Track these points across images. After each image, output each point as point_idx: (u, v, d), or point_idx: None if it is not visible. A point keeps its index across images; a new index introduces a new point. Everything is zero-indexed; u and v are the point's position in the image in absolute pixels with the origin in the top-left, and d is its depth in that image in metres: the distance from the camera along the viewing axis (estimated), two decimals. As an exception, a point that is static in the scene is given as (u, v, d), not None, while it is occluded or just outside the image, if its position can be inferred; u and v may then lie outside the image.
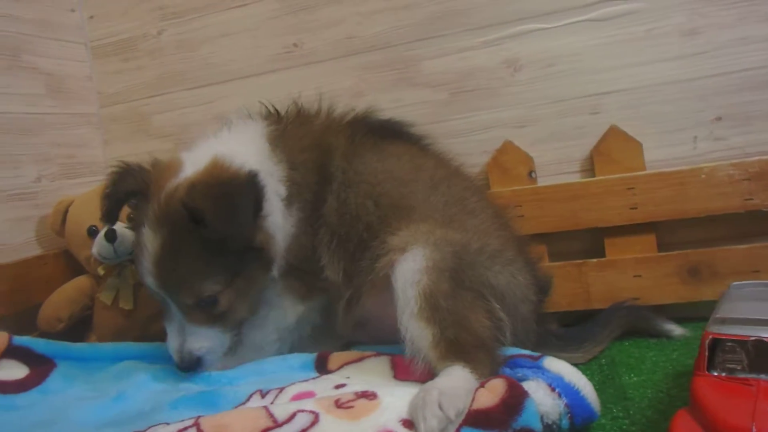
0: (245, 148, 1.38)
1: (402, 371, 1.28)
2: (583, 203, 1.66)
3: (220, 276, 1.29)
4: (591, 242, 1.70)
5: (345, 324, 1.45)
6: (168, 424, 1.12)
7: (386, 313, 1.32)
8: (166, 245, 1.28)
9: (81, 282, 1.77)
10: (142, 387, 1.35)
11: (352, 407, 1.10)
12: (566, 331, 1.54)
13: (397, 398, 1.13)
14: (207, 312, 1.32)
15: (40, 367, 1.45)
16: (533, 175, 1.73)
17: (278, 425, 1.05)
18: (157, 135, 2.04)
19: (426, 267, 1.23)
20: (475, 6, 1.75)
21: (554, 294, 1.63)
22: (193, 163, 1.35)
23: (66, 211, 1.78)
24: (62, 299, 1.74)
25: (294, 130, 1.46)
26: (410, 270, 1.24)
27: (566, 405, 1.12)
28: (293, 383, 1.28)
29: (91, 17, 2.08)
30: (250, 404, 1.22)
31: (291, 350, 1.46)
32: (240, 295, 1.34)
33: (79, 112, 2.00)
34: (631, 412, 1.20)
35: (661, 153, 1.66)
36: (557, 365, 1.23)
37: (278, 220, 1.36)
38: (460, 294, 1.23)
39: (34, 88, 1.87)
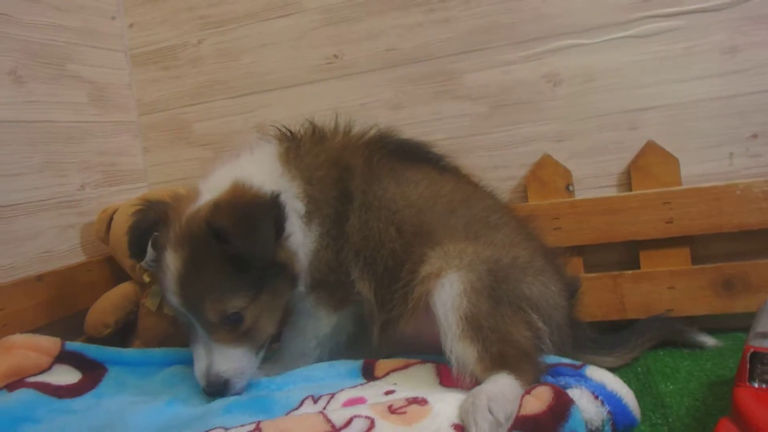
0: (259, 169, 1.50)
1: (447, 379, 1.40)
2: (619, 217, 1.80)
3: (244, 292, 1.40)
4: (626, 254, 1.84)
5: (380, 344, 1.57)
6: (226, 429, 1.23)
7: (422, 332, 1.45)
8: (188, 264, 1.39)
9: (125, 288, 1.91)
10: (192, 392, 1.48)
11: (405, 413, 1.21)
12: (600, 336, 1.66)
13: (447, 404, 1.24)
14: (232, 330, 1.41)
15: (92, 372, 1.60)
16: (570, 188, 1.86)
17: (337, 430, 1.16)
18: (197, 143, 2.18)
19: (464, 290, 1.34)
20: (517, 21, 1.89)
21: (590, 304, 1.78)
22: (211, 189, 1.47)
23: (111, 219, 1.91)
24: (108, 305, 1.88)
25: (309, 148, 1.57)
26: (449, 296, 1.35)
27: (609, 412, 1.25)
28: (343, 389, 1.40)
29: (131, 25, 2.23)
30: (303, 409, 1.34)
31: (331, 356, 1.60)
32: (265, 312, 1.45)
33: (119, 120, 2.15)
34: (670, 419, 1.33)
35: (698, 168, 1.79)
36: (600, 374, 1.36)
37: (299, 237, 1.48)
38: (499, 310, 1.34)
39: (78, 96, 2.02)
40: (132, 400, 1.49)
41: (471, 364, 1.31)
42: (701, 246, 1.79)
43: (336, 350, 1.61)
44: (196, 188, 1.51)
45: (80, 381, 1.57)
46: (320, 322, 1.57)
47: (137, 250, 1.53)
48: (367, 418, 1.19)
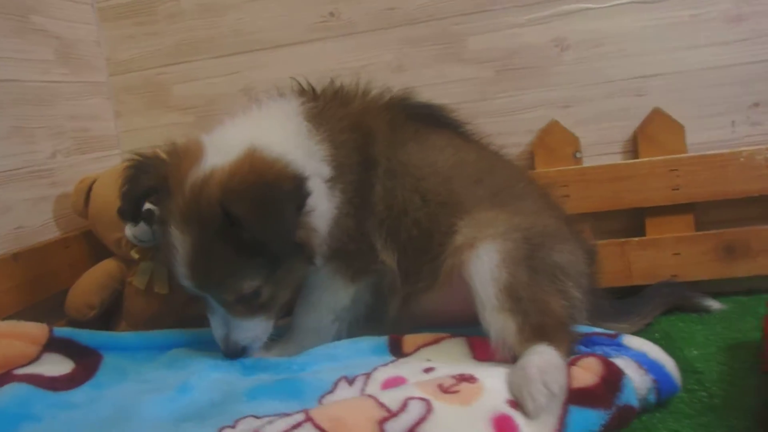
0: (282, 130, 1.42)
1: (481, 352, 1.39)
2: (627, 184, 1.83)
3: (259, 272, 1.36)
4: (632, 221, 1.88)
5: (399, 318, 1.55)
6: (258, 417, 1.19)
7: (450, 305, 1.45)
8: (197, 246, 1.32)
9: (109, 265, 1.80)
10: (203, 376, 1.40)
11: (458, 391, 1.18)
12: (613, 303, 1.69)
13: (496, 379, 1.23)
14: (249, 304, 1.39)
15: (86, 359, 1.50)
16: (578, 155, 1.88)
17: (393, 414, 1.11)
18: (177, 107, 2.06)
19: (502, 260, 1.34)
20: (524, -18, 1.87)
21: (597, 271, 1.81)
22: (219, 150, 1.36)
23: (89, 190, 1.78)
24: (92, 284, 1.76)
25: (333, 110, 1.51)
26: (486, 267, 1.34)
27: (653, 381, 1.28)
28: (376, 368, 1.37)
29: None
30: (339, 393, 1.30)
31: (348, 332, 1.55)
32: (281, 286, 1.42)
33: (88, 81, 1.99)
34: (706, 384, 1.38)
35: (701, 136, 1.84)
36: (639, 343, 1.39)
37: (322, 206, 1.41)
38: (537, 280, 1.35)
39: (45, 53, 1.85)
40: (137, 389, 1.40)
41: (510, 336, 1.30)
42: (704, 212, 1.85)
43: (354, 325, 1.57)
44: (199, 143, 1.40)
45: (74, 370, 1.46)
46: (337, 294, 1.52)
47: (129, 217, 1.44)
48: (422, 399, 1.16)
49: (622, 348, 1.39)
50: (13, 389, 1.32)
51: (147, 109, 2.07)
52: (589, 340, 1.44)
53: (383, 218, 1.48)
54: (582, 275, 1.48)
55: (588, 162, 1.88)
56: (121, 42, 2.06)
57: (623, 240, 1.85)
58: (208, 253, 1.32)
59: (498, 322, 1.32)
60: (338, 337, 1.54)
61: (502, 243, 1.36)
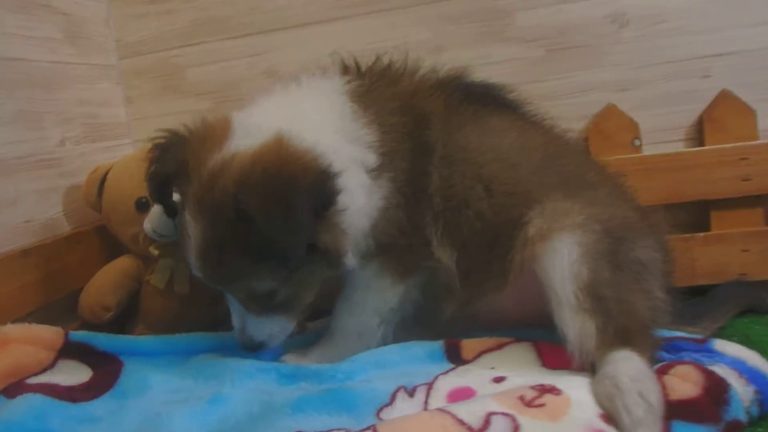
0: (321, 112, 1.28)
1: (551, 359, 1.26)
2: (691, 174, 1.68)
3: (273, 273, 1.22)
4: (695, 215, 1.73)
5: (452, 322, 1.41)
6: None
7: (521, 306, 1.32)
8: (209, 237, 1.19)
9: (125, 263, 1.65)
10: (237, 385, 1.26)
11: (543, 405, 1.06)
12: (683, 305, 1.52)
13: (581, 391, 1.10)
14: (264, 303, 1.27)
15: (105, 367, 1.35)
16: (637, 142, 1.73)
17: None
18: (192, 92, 1.90)
19: (582, 255, 1.20)
20: (578, -47, 1.73)
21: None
22: (246, 132, 1.23)
23: (103, 181, 1.62)
24: (107, 284, 1.61)
25: (381, 90, 1.36)
26: (565, 262, 1.21)
27: (755, 391, 1.14)
28: (437, 377, 1.23)
29: None
30: (399, 405, 1.16)
31: (394, 337, 1.40)
32: (303, 288, 1.29)
33: (98, 64, 1.84)
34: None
35: (770, 121, 1.70)
36: (734, 349, 1.25)
37: (359, 201, 1.25)
38: (620, 277, 1.22)
39: (52, 31, 1.69)
40: (164, 399, 1.26)
41: (589, 340, 1.17)
42: (775, 205, 1.71)
43: (401, 328, 1.41)
44: (227, 122, 1.26)
45: (92, 379, 1.32)
46: (384, 293, 1.36)
47: (157, 200, 1.36)
48: (505, 415, 1.02)
49: (714, 354, 1.24)
50: (27, 401, 1.18)
51: (160, 94, 1.91)
52: (671, 346, 1.29)
53: (439, 210, 1.33)
54: (663, 274, 1.34)
55: (647, 150, 1.73)
56: (132, 22, 1.90)
57: (687, 235, 1.70)
58: (219, 246, 1.19)
59: (576, 324, 1.18)
60: (383, 343, 1.38)
61: (581, 235, 1.22)
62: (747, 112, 1.68)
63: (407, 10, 1.79)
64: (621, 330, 1.17)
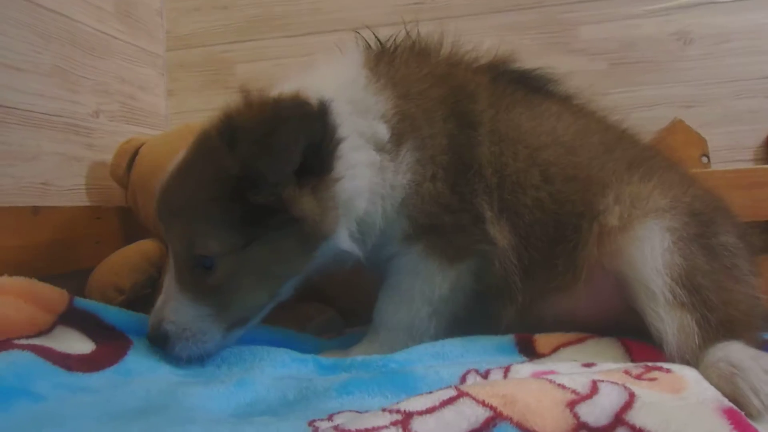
0: (336, 78, 1.03)
1: (640, 354, 0.92)
2: (764, 192, 1.40)
3: (226, 233, 0.89)
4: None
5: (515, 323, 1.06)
6: (359, 412, 0.72)
7: (579, 312, 1.00)
8: (182, 164, 0.93)
9: (147, 246, 1.27)
10: (266, 373, 0.90)
11: (656, 379, 0.75)
12: None
13: (693, 372, 0.79)
14: (198, 278, 0.91)
15: (111, 342, 0.95)
16: (705, 159, 1.46)
17: (585, 397, 0.66)
18: (238, 88, 1.59)
19: (674, 242, 0.91)
20: (641, -28, 1.51)
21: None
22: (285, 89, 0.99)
23: (135, 154, 1.30)
24: (123, 265, 1.23)
25: (408, 59, 1.09)
26: (655, 252, 0.92)
27: None
28: (512, 365, 0.87)
29: None
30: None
31: (447, 332, 1.03)
32: (249, 272, 0.92)
33: (144, 48, 1.55)
34: None
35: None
36: None
37: (361, 179, 0.97)
38: (716, 264, 0.92)
39: (103, 1, 1.42)
40: (178, 380, 0.89)
41: (690, 338, 0.87)
42: None
43: (454, 323, 1.04)
44: (264, 93, 0.98)
45: (94, 353, 0.92)
46: (433, 279, 1.01)
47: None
48: (615, 383, 0.69)
49: None
50: (12, 357, 0.81)
51: (203, 89, 1.62)
52: None
53: (493, 186, 1.01)
54: (751, 261, 1.02)
55: (715, 168, 1.45)
56: (186, 15, 1.64)
57: (764, 257, 1.39)
58: (185, 176, 0.92)
59: (674, 321, 0.88)
60: (435, 338, 1.01)
61: (670, 219, 0.93)
62: (816, 134, 1.42)
63: (470, 18, 1.54)
64: (724, 322, 0.88)
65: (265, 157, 0.85)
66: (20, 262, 1.06)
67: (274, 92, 0.95)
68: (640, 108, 1.49)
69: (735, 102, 1.47)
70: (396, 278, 1.03)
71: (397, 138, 0.99)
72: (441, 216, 1.00)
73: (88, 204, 1.32)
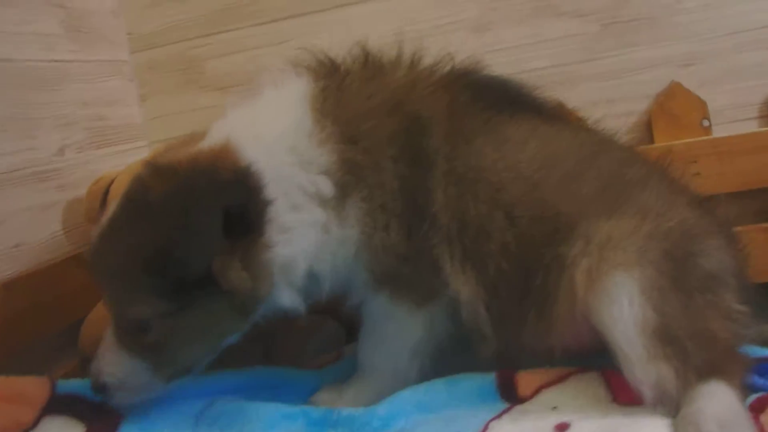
0: (277, 123, 0.89)
1: (622, 392, 0.85)
2: None
3: (157, 299, 0.81)
4: None
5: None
6: None
7: (559, 348, 0.91)
8: (108, 228, 0.84)
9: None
10: None
11: None
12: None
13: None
14: (135, 336, 0.84)
15: (101, 420, 0.90)
16: (705, 123, 1.31)
17: None
18: (213, 86, 1.43)
19: (645, 297, 0.81)
20: None
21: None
22: (219, 132, 0.89)
23: (107, 192, 1.18)
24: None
25: (358, 87, 0.93)
26: (625, 312, 0.81)
27: None
28: (488, 424, 0.83)
29: None
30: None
31: (435, 367, 0.97)
32: (186, 334, 0.85)
33: (105, 59, 1.38)
34: None
35: None
36: None
37: (305, 240, 0.87)
38: (692, 304, 0.83)
39: (49, 26, 1.24)
40: None
41: (668, 387, 0.79)
42: None
43: (440, 358, 0.98)
44: (208, 132, 0.91)
45: (85, 436, 0.86)
46: (405, 324, 0.94)
47: None
48: None
49: None
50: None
51: (178, 90, 1.46)
52: (765, 369, 0.90)
53: (453, 233, 0.90)
54: (737, 275, 0.93)
55: (717, 131, 1.29)
56: (145, 11, 1.44)
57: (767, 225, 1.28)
58: (112, 238, 0.83)
59: (651, 375, 0.80)
60: (423, 376, 0.96)
61: (639, 271, 0.82)
62: (829, 84, 1.27)
63: (452, -16, 1.36)
64: (703, 364, 0.80)
65: (181, 239, 0.76)
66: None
67: (200, 146, 0.83)
68: (637, 71, 1.32)
69: (738, 56, 1.29)
70: (370, 323, 0.97)
71: (342, 191, 0.88)
72: (398, 267, 0.91)
73: (69, 249, 1.23)
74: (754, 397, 0.83)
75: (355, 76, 0.93)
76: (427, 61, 0.97)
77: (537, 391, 0.89)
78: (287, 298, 0.87)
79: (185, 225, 0.76)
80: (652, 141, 1.31)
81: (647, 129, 1.33)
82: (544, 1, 1.32)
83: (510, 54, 1.34)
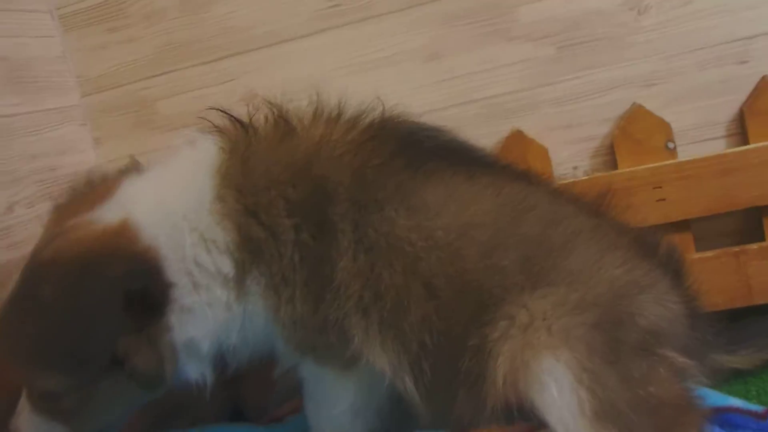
0: (180, 197, 0.85)
1: None
2: (738, 179, 1.18)
3: (65, 375, 0.79)
4: (745, 223, 1.25)
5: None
6: None
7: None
8: (13, 301, 0.81)
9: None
10: None
11: None
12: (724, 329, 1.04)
13: None
14: (48, 403, 0.82)
15: None
16: (671, 145, 1.26)
17: None
18: (166, 127, 1.40)
19: (573, 375, 0.75)
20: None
21: (707, 290, 1.22)
22: (126, 201, 0.84)
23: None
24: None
25: (264, 152, 0.88)
26: (556, 397, 0.76)
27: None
28: None
29: None
30: None
31: (385, 421, 0.95)
32: (96, 404, 0.83)
33: (54, 107, 1.36)
34: None
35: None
36: None
37: (203, 320, 0.84)
38: (630, 371, 0.78)
39: (-14, 81, 1.22)
40: None
41: None
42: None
43: (388, 410, 0.95)
44: (118, 184, 0.87)
45: None
46: (336, 387, 0.92)
47: None
48: None
49: None
50: None
51: (132, 132, 1.43)
52: (726, 420, 0.88)
53: (368, 303, 0.84)
54: (680, 322, 0.88)
55: (684, 152, 1.24)
56: (92, 54, 1.41)
57: (737, 248, 1.22)
58: (18, 313, 0.80)
59: None
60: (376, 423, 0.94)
61: (567, 352, 0.76)
62: (797, 101, 1.20)
63: (396, 15, 1.28)
64: (658, 428, 0.75)
65: (78, 335, 0.76)
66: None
67: (97, 226, 0.80)
68: (596, 94, 1.27)
69: (702, 73, 1.23)
70: (307, 385, 0.95)
71: (242, 269, 0.84)
72: (310, 337, 0.87)
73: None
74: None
75: (264, 139, 0.88)
76: (349, 112, 0.91)
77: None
78: (194, 371, 0.85)
79: (82, 322, 0.75)
80: (616, 166, 1.26)
81: (611, 153, 1.28)
82: (493, 26, 1.27)
83: (464, 82, 1.29)
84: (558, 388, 0.75)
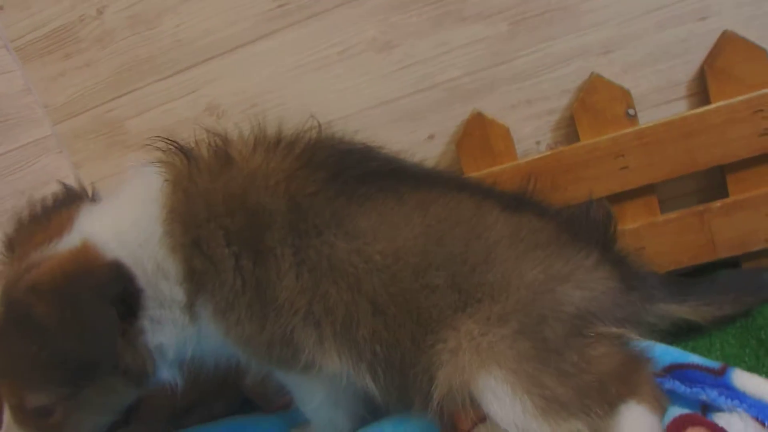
0: (132, 227, 0.89)
1: None
2: (700, 140, 1.17)
3: (56, 387, 0.85)
4: (708, 182, 1.25)
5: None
6: None
7: None
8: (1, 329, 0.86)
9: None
10: None
11: None
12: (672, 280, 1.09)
13: None
14: (37, 420, 0.87)
15: None
16: (631, 112, 1.23)
17: None
18: (137, 144, 1.41)
19: (509, 386, 0.80)
20: None
21: (673, 251, 1.25)
22: (85, 228, 0.89)
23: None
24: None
25: (204, 182, 0.90)
26: (500, 409, 0.81)
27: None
28: None
29: (1, 8, 1.37)
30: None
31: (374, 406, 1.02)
32: (87, 411, 0.90)
33: (31, 141, 1.38)
34: None
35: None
36: (755, 385, 0.85)
37: (166, 333, 0.90)
38: (565, 363, 0.81)
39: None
40: None
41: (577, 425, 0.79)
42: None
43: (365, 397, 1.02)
44: (78, 214, 0.92)
45: None
46: (307, 385, 1.00)
47: None
48: None
49: (730, 392, 0.85)
50: None
51: (108, 153, 1.44)
52: (683, 375, 0.90)
53: (318, 317, 0.89)
54: (606, 296, 0.89)
55: (645, 118, 1.22)
56: (54, 82, 1.40)
57: (701, 207, 1.22)
58: (4, 338, 0.85)
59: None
60: (362, 417, 1.03)
61: (496, 368, 0.81)
62: (757, 54, 1.14)
63: (344, 8, 1.24)
64: (607, 400, 0.80)
65: (85, 343, 0.81)
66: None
67: (61, 253, 0.85)
68: (554, 66, 1.24)
69: (661, 35, 1.19)
70: (289, 387, 1.04)
71: (191, 297, 0.90)
72: (263, 352, 0.93)
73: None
74: (677, 413, 0.85)
75: (204, 171, 0.91)
76: (287, 137, 0.94)
77: (474, 426, 0.92)
78: (165, 373, 0.92)
79: (86, 330, 0.80)
80: (578, 139, 1.25)
81: (571, 125, 1.26)
82: (443, 8, 1.23)
83: (420, 68, 1.27)
84: (499, 402, 0.80)
